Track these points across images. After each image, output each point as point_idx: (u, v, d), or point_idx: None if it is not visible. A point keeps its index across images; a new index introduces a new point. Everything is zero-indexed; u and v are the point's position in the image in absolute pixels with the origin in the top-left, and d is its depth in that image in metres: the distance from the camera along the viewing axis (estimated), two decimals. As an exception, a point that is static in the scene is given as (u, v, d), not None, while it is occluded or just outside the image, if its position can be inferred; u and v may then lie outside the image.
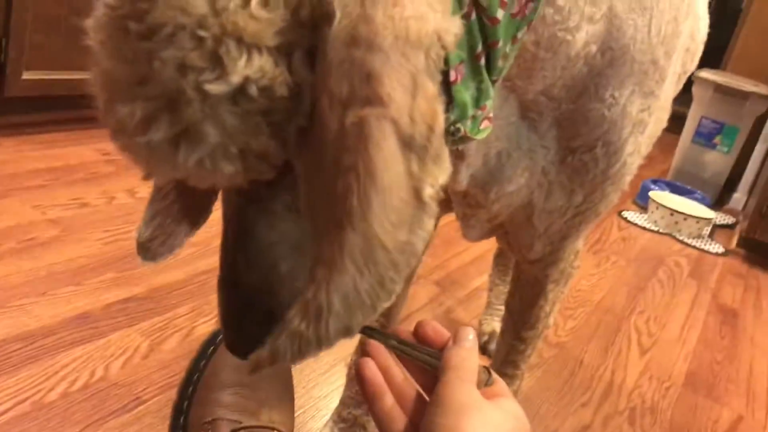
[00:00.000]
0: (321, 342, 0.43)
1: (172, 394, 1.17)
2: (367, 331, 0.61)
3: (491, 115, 0.58)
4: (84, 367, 1.18)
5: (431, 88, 0.43)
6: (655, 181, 3.19)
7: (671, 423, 1.48)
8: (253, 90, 0.43)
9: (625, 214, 2.86)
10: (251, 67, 0.42)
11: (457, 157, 0.70)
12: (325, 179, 0.44)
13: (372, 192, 0.41)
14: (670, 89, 0.83)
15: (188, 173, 0.46)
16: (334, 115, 0.42)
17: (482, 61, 0.53)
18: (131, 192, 1.84)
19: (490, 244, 1.83)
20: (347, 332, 0.43)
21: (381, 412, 0.58)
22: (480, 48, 0.52)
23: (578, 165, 0.76)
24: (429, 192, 0.43)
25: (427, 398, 0.57)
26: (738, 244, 2.80)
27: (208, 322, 1.39)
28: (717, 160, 3.36)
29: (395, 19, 0.42)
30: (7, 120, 1.99)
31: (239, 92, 0.43)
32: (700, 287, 2.31)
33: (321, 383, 1.31)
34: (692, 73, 3.15)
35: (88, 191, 1.79)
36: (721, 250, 2.72)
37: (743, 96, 3.21)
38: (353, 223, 0.41)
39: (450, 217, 1.09)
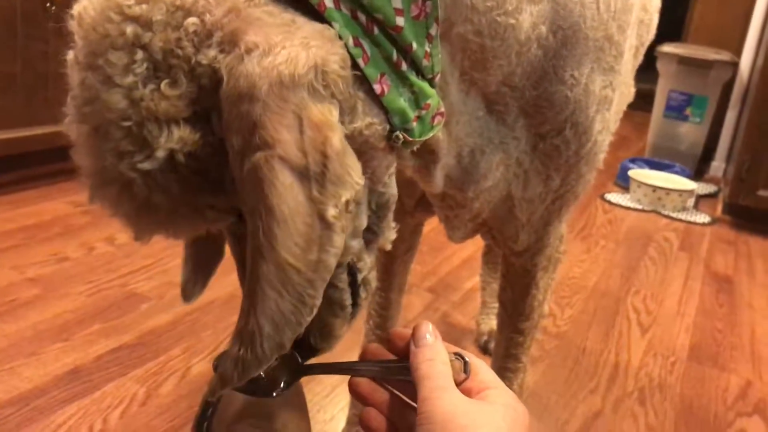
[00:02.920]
0: (260, 361, 0.48)
1: (175, 438, 1.15)
2: (338, 369, 0.61)
3: (442, 109, 0.60)
4: (81, 423, 1.16)
5: (319, 116, 0.48)
6: (633, 160, 3.20)
7: (681, 397, 1.47)
8: (180, 158, 0.49)
9: (608, 196, 2.86)
10: (172, 140, 0.48)
11: (430, 160, 0.69)
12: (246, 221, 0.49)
13: (273, 225, 0.46)
14: (629, 63, 0.82)
15: (158, 233, 0.53)
16: (236, 166, 0.48)
17: (404, 67, 0.55)
18: (110, 240, 1.82)
19: (479, 245, 1.82)
20: (281, 348, 0.48)
21: None
22: (395, 56, 0.55)
23: (550, 150, 0.75)
24: (332, 212, 0.47)
25: None
26: (723, 212, 2.81)
27: (202, 360, 1.37)
28: (691, 132, 3.38)
29: (268, 68, 0.46)
30: (-25, 185, 1.96)
31: (171, 162, 0.49)
32: (692, 259, 2.30)
33: (325, 406, 1.28)
34: (655, 49, 3.17)
35: (66, 245, 1.76)
36: (707, 219, 2.72)
37: (707, 65, 3.23)
38: (264, 254, 0.46)
39: (435, 223, 1.08)
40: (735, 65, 3.30)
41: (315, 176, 0.47)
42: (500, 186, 0.78)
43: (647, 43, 0.93)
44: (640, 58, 0.93)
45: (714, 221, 2.72)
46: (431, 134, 0.59)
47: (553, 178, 0.78)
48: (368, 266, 0.61)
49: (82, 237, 1.82)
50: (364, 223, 0.59)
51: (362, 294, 0.62)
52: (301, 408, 0.95)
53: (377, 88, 0.54)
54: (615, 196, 2.87)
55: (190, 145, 0.49)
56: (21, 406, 1.17)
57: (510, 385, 1.01)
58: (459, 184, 0.75)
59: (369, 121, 0.54)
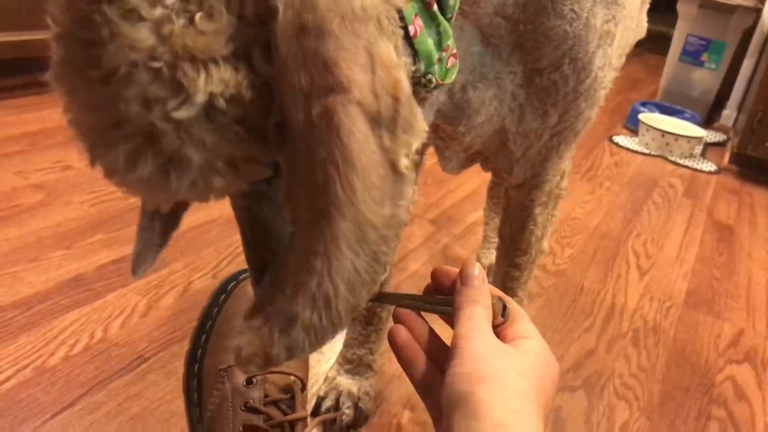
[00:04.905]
0: (336, 326, 0.44)
1: (175, 350, 1.17)
2: (379, 298, 0.61)
3: (455, 51, 0.57)
4: (83, 330, 1.17)
5: (388, 55, 0.43)
6: (644, 104, 3.16)
7: (674, 341, 1.49)
8: (220, 103, 0.43)
9: (616, 138, 2.84)
10: (212, 82, 0.42)
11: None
12: (302, 170, 0.44)
13: (354, 178, 0.41)
14: None
15: (185, 196, 0.47)
16: (299, 108, 0.42)
17: (435, 7, 0.53)
18: (114, 151, 1.80)
19: (483, 179, 1.81)
20: (355, 309, 0.45)
21: (417, 375, 0.58)
22: None
23: (548, 85, 0.74)
24: (404, 162, 0.43)
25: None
26: (730, 161, 2.79)
27: (203, 276, 1.38)
28: (705, 78, 3.33)
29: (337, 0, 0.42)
30: (-21, 87, 1.94)
31: (209, 109, 0.43)
32: (695, 206, 2.30)
33: (323, 328, 1.30)
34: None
35: (70, 153, 1.75)
36: (713, 168, 2.71)
37: (729, 10, 3.15)
38: (342, 211, 0.42)
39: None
40: (758, 11, 3.22)
41: (386, 122, 0.42)
42: (493, 121, 0.76)
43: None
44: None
45: (720, 170, 2.70)
46: (448, 80, 0.56)
47: (550, 113, 0.76)
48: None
49: (86, 146, 1.80)
50: None
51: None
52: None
53: (411, 29, 0.50)
54: (623, 139, 2.84)
55: (232, 87, 0.43)
56: (24, 309, 1.18)
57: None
58: (450, 120, 0.74)
59: (405, 61, 0.50)
